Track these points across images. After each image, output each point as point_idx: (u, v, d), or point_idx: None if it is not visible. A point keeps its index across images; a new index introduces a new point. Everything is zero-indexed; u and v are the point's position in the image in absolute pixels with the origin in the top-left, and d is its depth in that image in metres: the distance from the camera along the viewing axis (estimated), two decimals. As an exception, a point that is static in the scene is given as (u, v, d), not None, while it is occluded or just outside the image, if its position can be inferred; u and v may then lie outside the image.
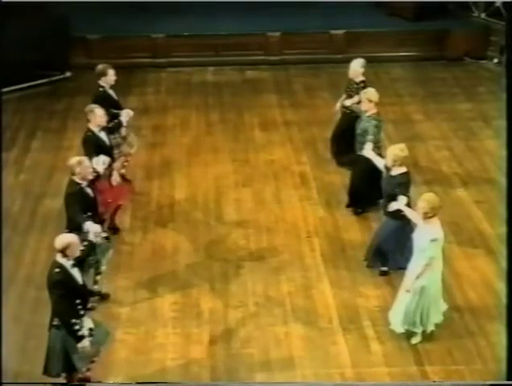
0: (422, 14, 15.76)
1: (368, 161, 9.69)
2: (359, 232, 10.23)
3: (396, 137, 12.57)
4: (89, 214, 8.43)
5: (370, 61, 15.10)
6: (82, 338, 7.25)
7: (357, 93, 10.74)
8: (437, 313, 8.35)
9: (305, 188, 11.25)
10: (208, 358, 8.18)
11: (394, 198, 8.77)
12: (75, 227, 8.22)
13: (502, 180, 10.07)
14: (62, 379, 7.51)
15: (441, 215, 10.41)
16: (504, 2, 14.99)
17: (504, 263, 8.18)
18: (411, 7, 15.72)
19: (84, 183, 8.49)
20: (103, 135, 9.58)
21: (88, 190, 8.57)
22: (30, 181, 11.46)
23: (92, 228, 8.11)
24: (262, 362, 8.13)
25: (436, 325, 8.38)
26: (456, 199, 10.96)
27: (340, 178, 11.38)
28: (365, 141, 9.93)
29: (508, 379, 7.01)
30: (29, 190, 11.20)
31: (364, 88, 10.69)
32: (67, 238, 7.30)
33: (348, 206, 10.69)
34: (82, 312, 7.33)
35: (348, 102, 11.02)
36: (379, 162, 9.33)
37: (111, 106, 10.06)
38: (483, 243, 10.03)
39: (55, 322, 7.30)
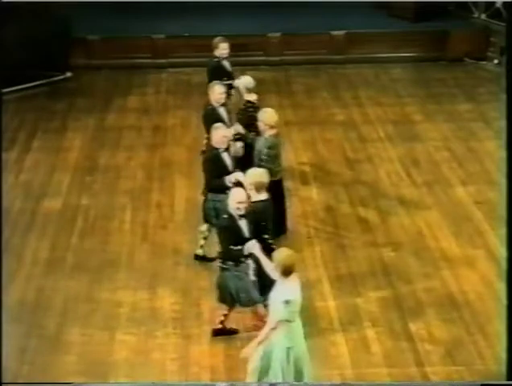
0: (422, 14, 15.78)
1: None
2: (359, 233, 10.23)
3: (396, 138, 12.60)
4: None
5: (370, 62, 15.27)
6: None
7: (248, 116, 9.94)
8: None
9: (305, 189, 11.25)
10: (208, 358, 8.17)
11: (257, 227, 8.06)
12: (211, 189, 9.03)
13: (502, 181, 10.06)
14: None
15: (442, 215, 10.58)
16: (504, 3, 15.00)
17: (504, 263, 8.17)
18: (411, 8, 15.74)
19: (221, 149, 8.89)
20: (222, 111, 10.08)
21: (224, 155, 8.96)
22: (30, 181, 11.46)
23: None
24: (262, 362, 8.12)
25: None
26: (456, 200, 10.97)
27: (340, 178, 11.39)
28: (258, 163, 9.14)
29: (508, 379, 7.01)
30: (29, 190, 11.19)
31: (252, 108, 10.00)
32: (235, 192, 7.89)
33: None
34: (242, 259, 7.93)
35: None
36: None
37: (224, 76, 10.91)
38: (483, 243, 10.03)
39: (226, 265, 7.95)
